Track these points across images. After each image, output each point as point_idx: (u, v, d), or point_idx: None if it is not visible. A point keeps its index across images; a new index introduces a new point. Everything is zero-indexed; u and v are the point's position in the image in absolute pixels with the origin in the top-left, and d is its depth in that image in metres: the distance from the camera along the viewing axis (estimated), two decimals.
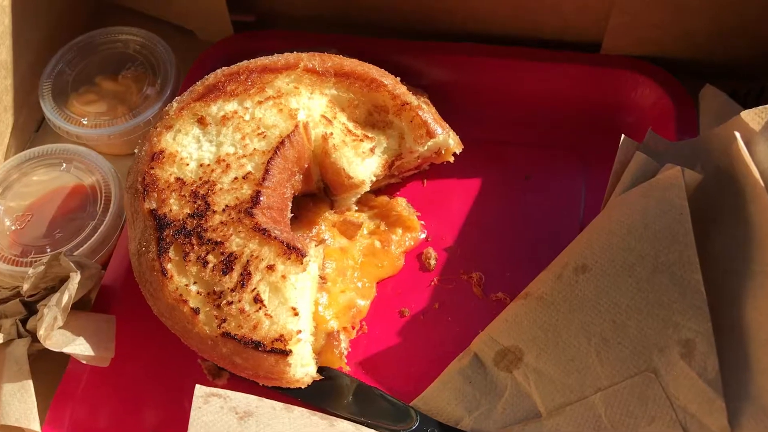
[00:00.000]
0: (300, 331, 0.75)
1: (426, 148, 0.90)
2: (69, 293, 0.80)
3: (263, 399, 0.73)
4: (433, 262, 0.92)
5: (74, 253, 0.90)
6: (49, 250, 0.93)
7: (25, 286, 0.84)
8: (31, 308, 0.87)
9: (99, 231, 0.93)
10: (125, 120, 1.02)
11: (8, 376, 0.80)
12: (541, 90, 1.00)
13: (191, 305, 0.75)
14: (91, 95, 1.06)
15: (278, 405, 0.73)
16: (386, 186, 0.98)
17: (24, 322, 0.86)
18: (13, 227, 0.95)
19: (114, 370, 0.84)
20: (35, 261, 0.86)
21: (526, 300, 0.79)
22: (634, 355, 0.70)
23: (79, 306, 0.86)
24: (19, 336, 0.85)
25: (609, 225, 0.76)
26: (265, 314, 0.75)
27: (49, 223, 0.95)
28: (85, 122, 1.02)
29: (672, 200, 0.71)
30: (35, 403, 0.79)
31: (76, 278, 0.81)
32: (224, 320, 0.75)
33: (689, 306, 0.67)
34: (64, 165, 0.99)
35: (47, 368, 0.87)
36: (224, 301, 0.75)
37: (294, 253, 0.77)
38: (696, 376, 0.66)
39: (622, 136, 0.81)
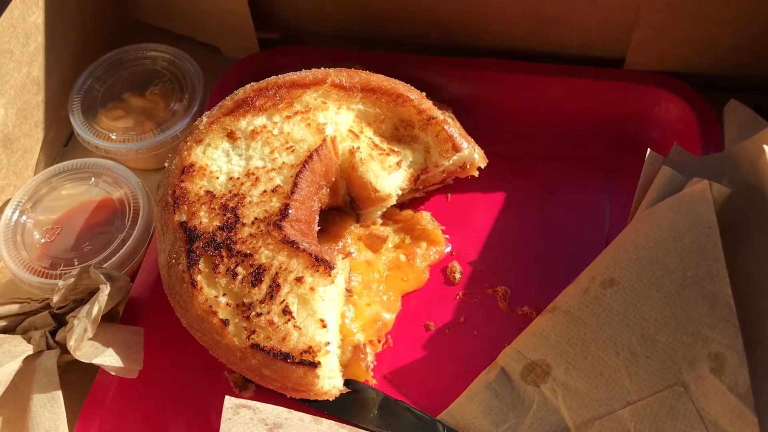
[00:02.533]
0: (328, 343, 0.75)
1: (452, 162, 0.90)
2: (99, 305, 0.80)
3: (292, 411, 0.73)
4: (458, 275, 0.92)
5: (103, 266, 0.91)
6: (77, 262, 0.93)
7: (55, 298, 0.84)
8: (59, 320, 0.87)
9: (127, 244, 0.93)
10: (153, 135, 1.03)
11: (38, 387, 0.80)
12: (564, 105, 1.00)
13: (221, 317, 0.76)
14: (119, 111, 1.07)
15: (307, 417, 0.73)
16: (411, 200, 0.98)
17: (53, 334, 0.86)
18: (43, 240, 0.96)
19: (142, 382, 0.84)
20: (64, 273, 0.87)
21: (553, 314, 0.78)
22: (664, 369, 0.69)
23: (107, 318, 0.86)
24: (48, 348, 0.85)
25: (636, 239, 0.75)
26: (294, 326, 0.75)
27: (78, 236, 0.96)
28: (113, 137, 1.03)
29: (700, 214, 0.70)
30: (65, 414, 0.78)
31: (106, 290, 0.81)
32: (253, 332, 0.75)
33: (719, 320, 0.66)
34: (93, 179, 1.00)
35: (75, 380, 0.87)
36: (253, 313, 0.75)
37: (322, 265, 0.77)
38: (727, 390, 0.65)
39: (648, 150, 0.81)
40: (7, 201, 0.99)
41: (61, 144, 1.12)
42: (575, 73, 0.98)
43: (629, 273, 0.74)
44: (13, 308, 0.88)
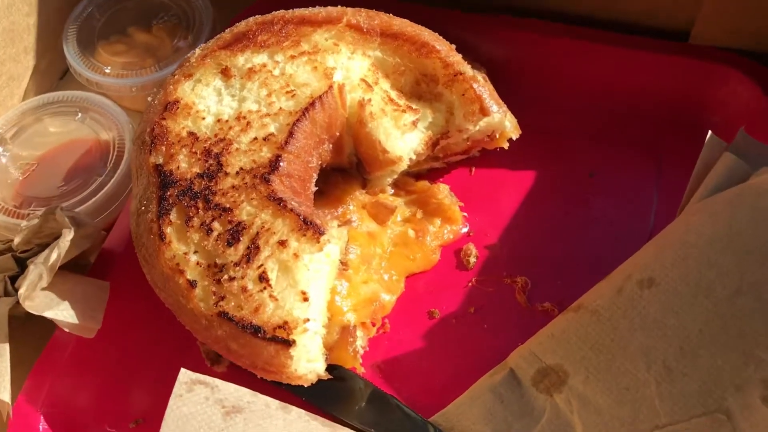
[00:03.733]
0: (308, 320, 0.67)
1: (478, 128, 0.82)
2: (58, 251, 0.75)
3: (257, 394, 0.66)
4: (473, 260, 0.85)
5: (77, 210, 0.84)
6: (50, 204, 0.86)
7: (17, 240, 0.79)
8: (22, 265, 0.81)
9: (105, 188, 0.87)
10: (151, 72, 0.97)
11: None
12: (616, 79, 0.93)
13: (188, 277, 0.69)
14: (120, 45, 1.01)
15: (274, 403, 0.66)
16: (429, 170, 0.91)
17: (14, 280, 0.80)
18: (20, 177, 0.90)
19: (103, 344, 0.80)
20: (33, 213, 0.79)
21: (578, 313, 0.72)
22: (703, 391, 0.63)
23: (74, 268, 0.81)
24: (6, 294, 0.80)
25: (685, 234, 0.69)
26: (270, 296, 0.67)
27: (57, 175, 0.90)
28: (107, 71, 0.97)
29: (766, 210, 0.65)
30: (8, 370, 0.73)
31: (68, 235, 0.76)
32: (223, 298, 0.67)
33: None
34: (80, 114, 0.94)
35: (37, 333, 0.81)
36: (225, 276, 0.68)
37: (311, 229, 0.69)
38: None
39: (709, 133, 0.74)
40: None
41: (56, 76, 1.07)
42: (633, 44, 0.91)
43: (673, 273, 0.67)
44: None
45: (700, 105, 0.90)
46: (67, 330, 0.74)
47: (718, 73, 0.88)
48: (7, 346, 0.74)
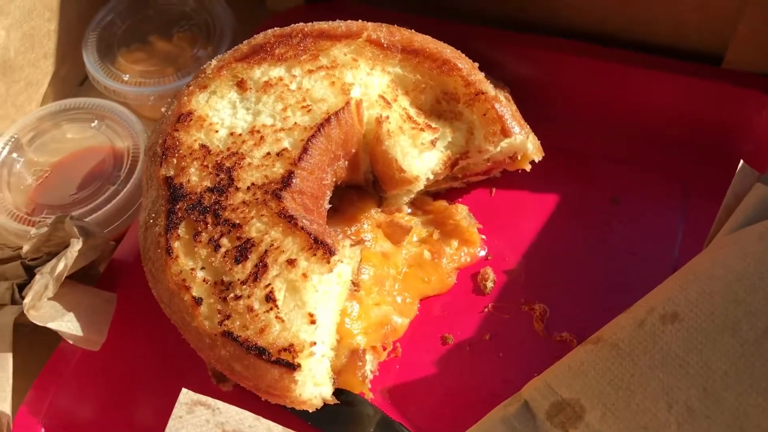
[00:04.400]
0: (314, 343, 0.65)
1: (498, 149, 0.80)
2: (65, 261, 0.73)
3: (260, 419, 0.64)
4: (490, 284, 0.83)
5: (88, 219, 0.83)
6: (61, 212, 0.85)
7: (26, 248, 0.78)
8: (31, 273, 0.80)
9: (117, 198, 0.86)
10: (170, 81, 0.96)
11: None
12: (644, 102, 0.90)
13: (194, 294, 0.66)
14: (140, 53, 1.00)
15: (277, 428, 0.63)
16: (447, 190, 0.89)
17: (22, 288, 0.79)
18: (34, 183, 0.90)
19: (108, 357, 0.79)
20: (43, 221, 0.78)
21: (597, 346, 0.69)
22: None
23: (82, 278, 0.80)
24: (14, 302, 0.79)
25: (712, 268, 0.66)
26: (277, 317, 0.65)
27: (70, 183, 0.89)
28: (126, 78, 0.96)
29: None
30: (10, 381, 0.72)
31: (76, 245, 0.74)
32: (228, 317, 0.65)
33: None
34: (96, 122, 0.93)
35: (44, 343, 0.79)
36: (232, 295, 0.66)
37: (321, 249, 0.66)
38: None
39: (741, 162, 0.71)
40: (1, 134, 0.93)
41: (75, 82, 1.06)
42: (663, 66, 0.88)
43: (698, 309, 0.64)
44: None
45: (732, 132, 0.88)
46: (71, 342, 0.72)
47: (751, 100, 0.86)
48: (10, 356, 0.72)
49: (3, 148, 0.90)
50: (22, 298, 0.78)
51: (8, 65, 0.91)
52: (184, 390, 0.62)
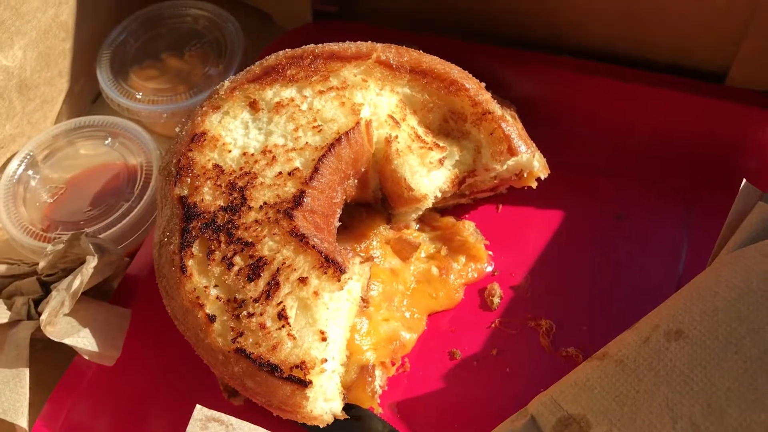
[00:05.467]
0: (325, 360, 0.66)
1: (505, 167, 0.81)
2: (82, 278, 0.74)
3: None
4: (497, 300, 0.84)
5: (102, 235, 0.84)
6: (77, 228, 0.87)
7: (42, 264, 0.79)
8: (47, 289, 0.81)
9: (131, 214, 0.87)
10: (183, 99, 0.97)
11: (5, 360, 0.74)
12: (649, 120, 0.91)
13: (207, 311, 0.68)
14: (153, 71, 1.02)
15: None
16: (454, 206, 0.90)
17: (38, 303, 0.80)
18: (49, 200, 0.91)
19: (122, 372, 0.79)
20: (59, 238, 0.80)
21: (603, 362, 0.69)
22: None
23: (96, 294, 0.81)
24: (30, 318, 0.79)
25: (716, 286, 0.66)
26: (288, 334, 0.66)
27: (84, 199, 0.90)
28: (139, 96, 0.97)
29: None
30: (27, 396, 0.72)
31: (92, 262, 0.75)
32: (241, 334, 0.66)
33: None
34: (109, 139, 0.94)
35: (58, 358, 0.80)
36: (244, 312, 0.67)
37: (332, 267, 0.68)
38: None
39: (743, 181, 0.71)
40: (17, 151, 0.94)
41: (88, 99, 1.07)
42: (667, 84, 0.89)
43: (702, 326, 0.65)
44: (1, 269, 0.82)
45: (737, 150, 0.87)
46: (86, 357, 0.73)
47: (755, 118, 0.86)
48: (26, 371, 0.73)
49: (19, 165, 0.91)
50: (38, 313, 0.79)
51: (24, 84, 0.92)
52: (198, 406, 0.63)
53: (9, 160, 0.93)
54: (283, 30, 1.05)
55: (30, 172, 0.91)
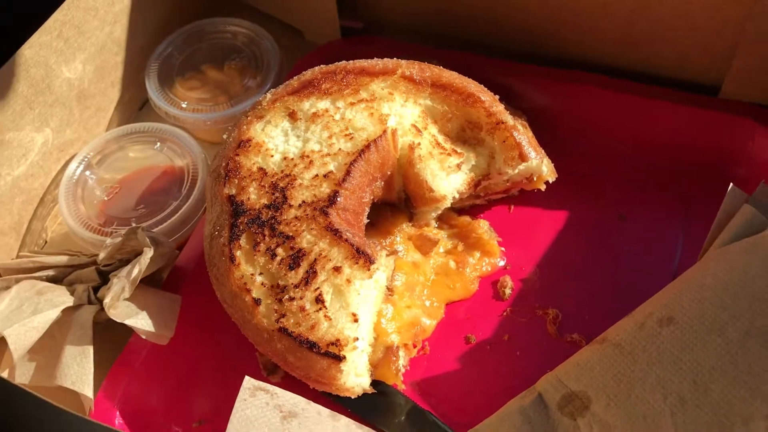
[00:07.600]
0: (357, 339, 0.73)
1: (516, 171, 0.87)
2: (140, 267, 0.81)
3: (311, 402, 0.71)
4: (508, 291, 0.89)
5: (153, 230, 0.91)
6: (133, 224, 0.94)
7: (101, 255, 0.85)
8: (104, 277, 0.88)
9: (180, 212, 0.93)
10: (224, 108, 1.03)
11: (72, 339, 0.81)
12: (648, 129, 0.95)
13: (254, 295, 0.75)
14: (195, 81, 1.08)
15: (325, 411, 0.71)
16: (470, 206, 0.95)
17: (96, 290, 0.87)
18: (104, 198, 0.97)
19: (173, 351, 0.84)
20: (115, 232, 0.87)
21: (602, 345, 0.74)
22: (714, 422, 0.64)
23: (149, 282, 0.87)
24: (90, 303, 0.86)
25: (703, 278, 0.71)
26: (325, 315, 0.73)
27: (136, 198, 0.97)
28: (184, 105, 1.04)
29: None
30: (92, 370, 0.79)
31: (149, 253, 0.82)
32: (283, 315, 0.73)
33: None
34: (158, 144, 1.01)
35: (112, 338, 0.86)
36: (286, 296, 0.74)
37: (362, 258, 0.75)
38: None
39: (731, 185, 0.76)
40: (75, 154, 1.01)
41: (135, 107, 1.14)
42: (665, 96, 0.93)
43: (690, 313, 0.69)
44: (63, 259, 0.90)
45: (728, 157, 0.91)
46: (143, 336, 0.80)
47: (744, 127, 0.89)
48: (91, 348, 0.79)
49: (77, 166, 0.98)
50: (97, 299, 0.85)
51: (83, 94, 1.00)
52: (246, 377, 0.69)
53: (68, 162, 1.00)
54: (313, 45, 1.10)
55: (87, 173, 0.98)
